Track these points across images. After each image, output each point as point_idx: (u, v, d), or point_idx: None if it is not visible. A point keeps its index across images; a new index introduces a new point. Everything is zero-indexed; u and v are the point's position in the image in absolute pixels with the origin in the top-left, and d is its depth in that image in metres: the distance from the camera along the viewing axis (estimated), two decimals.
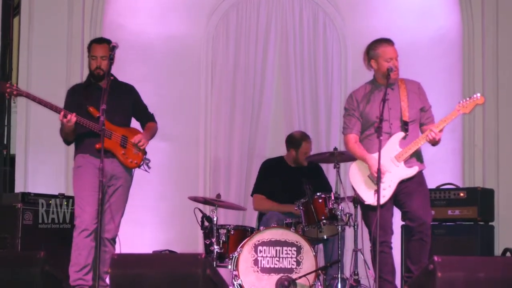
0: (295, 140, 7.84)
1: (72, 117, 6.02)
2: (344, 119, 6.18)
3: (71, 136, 6.24)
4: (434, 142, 5.91)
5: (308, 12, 9.14)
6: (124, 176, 6.32)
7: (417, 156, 6.00)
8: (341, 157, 7.03)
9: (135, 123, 6.60)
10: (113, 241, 6.26)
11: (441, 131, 5.87)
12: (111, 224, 6.20)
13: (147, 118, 6.61)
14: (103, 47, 6.33)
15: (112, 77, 6.20)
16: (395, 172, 5.91)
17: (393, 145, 5.93)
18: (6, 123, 8.33)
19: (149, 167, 6.39)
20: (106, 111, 5.91)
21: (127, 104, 6.47)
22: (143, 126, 6.57)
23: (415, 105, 6.01)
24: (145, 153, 6.40)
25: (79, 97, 6.30)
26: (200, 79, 9.09)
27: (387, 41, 6.04)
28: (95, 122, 6.06)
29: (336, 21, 9.13)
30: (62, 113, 6.01)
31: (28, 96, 6.07)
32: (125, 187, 6.34)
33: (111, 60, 6.02)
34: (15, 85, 6.14)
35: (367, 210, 5.95)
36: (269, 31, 9.13)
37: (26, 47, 8.28)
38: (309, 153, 7.77)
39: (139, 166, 6.36)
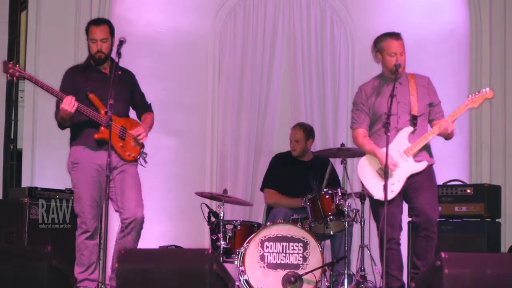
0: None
1: (74, 103, 5.74)
2: (353, 114, 6.16)
3: (68, 121, 5.95)
4: (447, 136, 5.92)
5: (315, 8, 9.13)
6: (125, 164, 6.03)
7: (427, 149, 5.99)
8: (348, 153, 7.02)
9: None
10: (141, 225, 6.02)
11: (453, 122, 5.86)
12: (128, 211, 5.96)
13: (144, 108, 6.30)
14: (102, 29, 6.05)
15: (108, 63, 6.08)
16: (404, 167, 5.89)
17: (401, 140, 5.91)
18: (13, 118, 8.34)
19: (145, 161, 6.14)
20: (103, 99, 5.77)
21: (126, 92, 6.15)
22: (139, 116, 6.28)
23: (424, 99, 6.00)
24: (142, 146, 6.13)
25: (78, 80, 6.00)
26: (208, 74, 9.08)
27: (393, 36, 6.01)
28: (95, 111, 5.83)
29: (344, 17, 9.11)
30: (64, 100, 5.72)
31: (31, 79, 5.80)
32: (128, 173, 6.02)
33: (119, 55, 5.83)
34: (17, 66, 5.86)
35: (377, 206, 5.92)
36: (277, 27, 9.12)
37: (34, 41, 8.28)
38: (299, 141, 7.81)
39: (136, 160, 6.09)
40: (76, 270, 5.96)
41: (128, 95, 6.19)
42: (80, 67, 6.19)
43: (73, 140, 6.08)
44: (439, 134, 5.93)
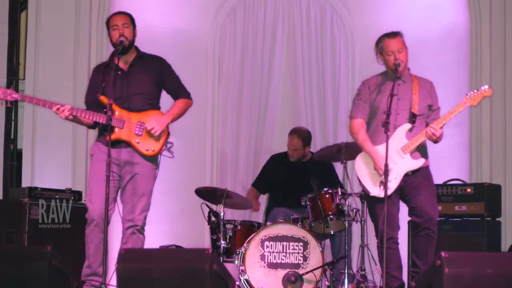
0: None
1: (65, 112, 5.71)
2: (354, 102, 6.14)
3: (82, 124, 5.93)
4: (435, 140, 5.89)
5: (315, 7, 9.11)
6: (142, 162, 5.90)
7: (422, 151, 5.98)
8: (348, 152, 7.00)
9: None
10: (142, 229, 5.97)
11: (441, 128, 5.84)
12: (132, 214, 5.90)
13: (176, 94, 6.17)
14: (122, 16, 6.03)
15: (136, 53, 6.03)
16: (401, 164, 5.88)
17: (399, 137, 5.90)
18: (13, 118, 8.35)
19: (171, 151, 5.96)
20: (119, 96, 5.74)
21: (147, 83, 6.01)
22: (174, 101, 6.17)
23: (425, 99, 5.98)
24: (167, 136, 5.98)
25: (98, 79, 5.89)
26: (207, 74, 9.07)
27: (390, 35, 6.00)
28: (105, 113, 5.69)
29: (344, 17, 9.10)
30: (55, 107, 5.71)
31: (24, 99, 5.80)
32: (143, 175, 5.91)
33: (119, 55, 5.80)
34: (10, 89, 5.78)
35: (373, 203, 5.92)
36: (276, 27, 9.10)
37: (33, 41, 8.30)
38: (297, 150, 7.78)
39: (159, 153, 5.94)
40: (85, 264, 5.85)
41: (152, 86, 6.04)
42: (102, 65, 6.09)
43: (97, 138, 6.05)
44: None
